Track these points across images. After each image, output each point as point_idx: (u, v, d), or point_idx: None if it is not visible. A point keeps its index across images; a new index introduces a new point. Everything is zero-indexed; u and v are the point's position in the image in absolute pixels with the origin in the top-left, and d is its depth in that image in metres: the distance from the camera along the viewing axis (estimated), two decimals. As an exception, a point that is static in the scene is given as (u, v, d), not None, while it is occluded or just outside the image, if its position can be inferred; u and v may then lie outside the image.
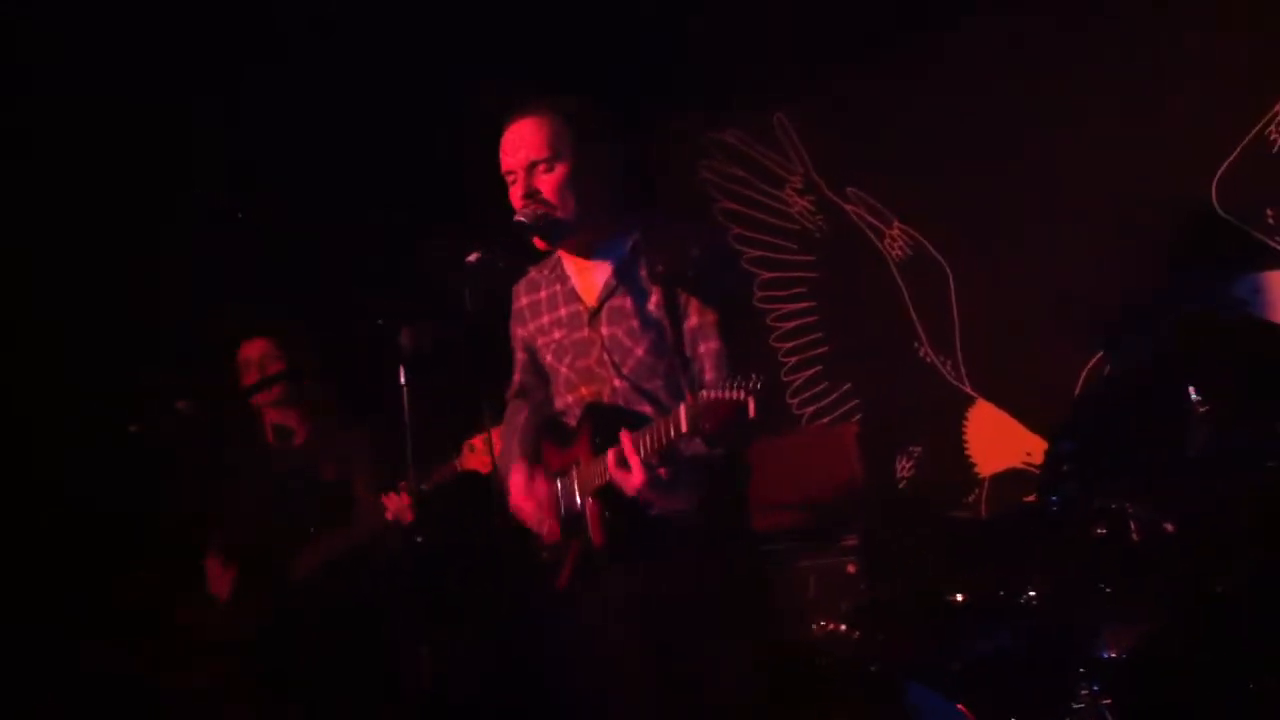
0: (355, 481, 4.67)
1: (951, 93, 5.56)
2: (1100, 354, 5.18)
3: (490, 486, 3.35)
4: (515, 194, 3.32)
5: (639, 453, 3.08)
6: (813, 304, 6.06)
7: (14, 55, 4.98)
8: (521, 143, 3.31)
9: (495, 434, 4.03)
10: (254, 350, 4.86)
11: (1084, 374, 5.24)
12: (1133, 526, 4.07)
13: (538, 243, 3.34)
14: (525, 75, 4.41)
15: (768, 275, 6.12)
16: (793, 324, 6.07)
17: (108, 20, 4.96)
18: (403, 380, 3.09)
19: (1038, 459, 5.26)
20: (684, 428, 2.97)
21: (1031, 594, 4.14)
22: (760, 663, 3.27)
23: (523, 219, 3.28)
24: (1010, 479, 5.43)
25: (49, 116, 5.17)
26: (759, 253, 6.14)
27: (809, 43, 5.73)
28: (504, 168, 3.34)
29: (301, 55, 5.37)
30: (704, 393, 2.91)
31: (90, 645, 5.25)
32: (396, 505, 4.37)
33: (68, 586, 5.28)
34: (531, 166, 3.29)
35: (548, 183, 3.29)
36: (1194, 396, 4.12)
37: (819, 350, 6.03)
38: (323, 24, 5.30)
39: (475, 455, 4.25)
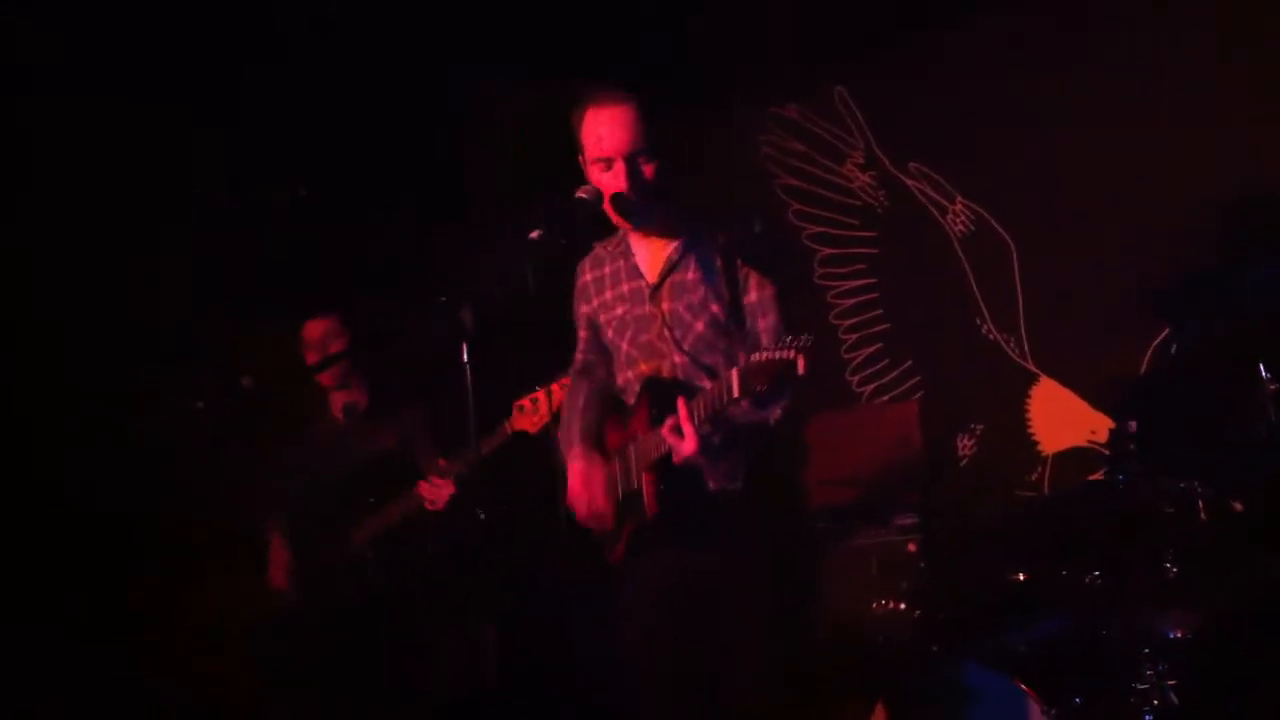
0: (417, 453, 4.72)
1: (1016, 68, 5.50)
2: (1166, 331, 5.11)
3: (544, 448, 3.36)
4: (609, 177, 3.33)
5: (693, 419, 3.10)
6: (873, 280, 6.02)
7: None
8: (621, 130, 3.32)
9: (542, 395, 4.08)
10: (316, 330, 4.93)
11: (1150, 351, 5.17)
12: (1200, 506, 4.02)
13: (622, 223, 3.37)
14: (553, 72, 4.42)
15: (827, 251, 6.09)
16: (852, 301, 6.04)
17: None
18: (465, 358, 3.10)
19: (1102, 437, 5.21)
20: (735, 391, 3.00)
21: (1096, 574, 4.10)
22: (803, 644, 3.27)
23: (584, 196, 3.31)
24: (1074, 457, 5.38)
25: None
26: (819, 229, 6.10)
27: (872, 15, 5.69)
28: (598, 152, 3.34)
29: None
30: (754, 355, 2.95)
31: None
32: (431, 491, 4.44)
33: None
34: (634, 156, 3.31)
35: (651, 170, 3.33)
36: (1264, 374, 4.06)
37: (879, 327, 5.99)
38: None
39: (524, 415, 4.28)
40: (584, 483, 3.46)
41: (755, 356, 2.94)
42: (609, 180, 3.32)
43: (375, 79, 5.54)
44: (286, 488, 4.94)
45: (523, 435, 4.30)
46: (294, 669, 4.68)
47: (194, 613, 5.02)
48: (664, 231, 3.43)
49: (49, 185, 5.29)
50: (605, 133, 3.33)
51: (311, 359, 4.86)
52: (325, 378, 4.87)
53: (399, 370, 4.99)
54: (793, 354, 2.88)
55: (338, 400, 4.97)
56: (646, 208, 3.33)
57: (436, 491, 4.45)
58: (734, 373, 3.00)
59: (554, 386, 4.17)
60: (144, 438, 4.73)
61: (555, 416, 3.99)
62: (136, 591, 5.35)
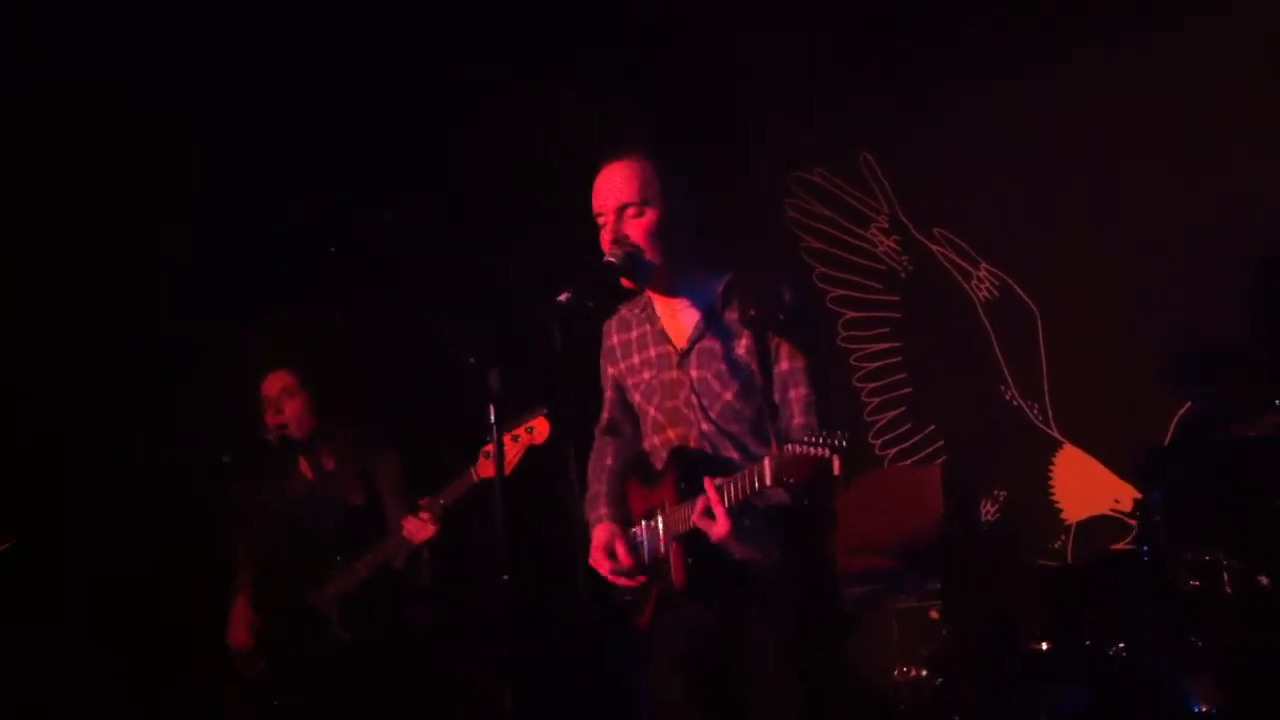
0: (387, 504, 4.65)
1: (1041, 134, 5.53)
2: (1191, 402, 5.09)
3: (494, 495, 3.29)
4: (604, 236, 3.34)
5: (724, 503, 3.09)
6: (897, 344, 6.03)
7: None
8: (613, 186, 3.33)
9: (507, 439, 4.02)
10: (273, 385, 4.78)
11: (1175, 421, 5.16)
12: (1226, 579, 4.00)
13: (625, 283, 3.35)
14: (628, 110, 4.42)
15: (851, 315, 6.10)
16: (876, 364, 6.04)
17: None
18: (492, 419, 3.10)
19: (1126, 506, 5.19)
20: (768, 480, 2.98)
21: (1120, 645, 4.08)
22: (829, 713, 3.25)
23: (612, 260, 3.30)
24: (1097, 525, 5.36)
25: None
26: (843, 291, 6.12)
27: (898, 82, 5.73)
28: (594, 209, 3.37)
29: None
30: (789, 446, 2.92)
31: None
32: (416, 526, 4.36)
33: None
34: (621, 210, 3.31)
35: (637, 227, 3.31)
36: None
37: (903, 391, 5.99)
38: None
39: (491, 461, 4.16)
40: (609, 544, 3.45)
41: (790, 449, 2.91)
42: (604, 236, 3.33)
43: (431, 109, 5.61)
44: (256, 543, 4.87)
45: (489, 483, 4.20)
46: None
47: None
48: (688, 293, 3.41)
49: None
50: (599, 191, 3.35)
51: (269, 415, 4.77)
52: (288, 434, 4.77)
53: (369, 422, 4.94)
54: (828, 453, 2.85)
55: (306, 455, 4.90)
56: (637, 263, 3.29)
57: (420, 526, 4.36)
58: (767, 461, 2.97)
59: (520, 430, 4.12)
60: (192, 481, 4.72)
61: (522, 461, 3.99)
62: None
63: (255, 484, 4.80)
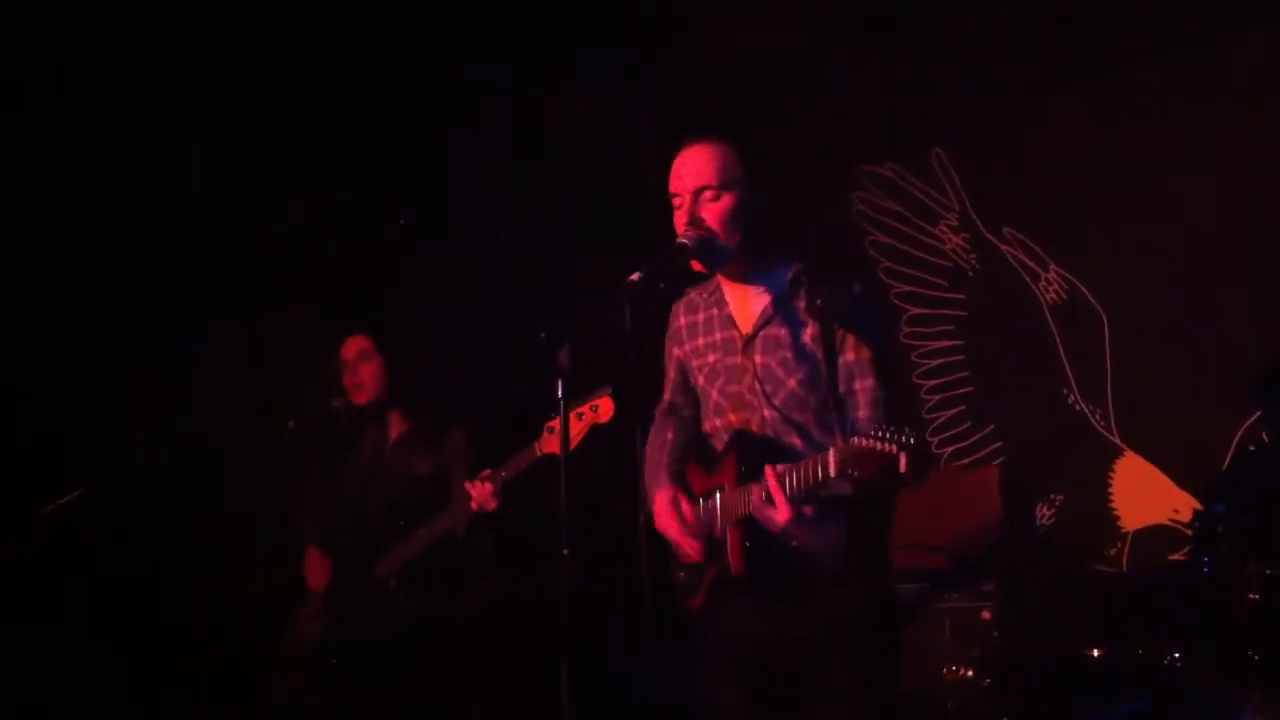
0: (453, 478, 4.69)
1: (1116, 137, 5.48)
2: (1258, 413, 5.03)
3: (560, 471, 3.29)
4: (679, 218, 3.34)
5: (784, 491, 3.08)
6: (960, 342, 5.99)
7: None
8: (692, 168, 3.33)
9: (573, 417, 4.03)
10: (351, 349, 4.83)
11: (1240, 433, 5.10)
12: (1286, 595, 3.96)
13: (696, 266, 3.35)
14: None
15: (915, 311, 6.07)
16: (938, 361, 6.01)
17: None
18: (560, 395, 3.11)
19: (1185, 517, 5.13)
20: (832, 471, 2.97)
21: (1175, 656, 4.04)
22: (880, 708, 3.23)
23: (685, 242, 3.30)
24: (1155, 535, 5.31)
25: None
26: (908, 287, 6.09)
27: (973, 80, 5.69)
28: (670, 190, 3.37)
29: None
30: (856, 439, 2.90)
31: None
32: (480, 493, 4.38)
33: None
34: (699, 192, 3.31)
35: (713, 210, 3.31)
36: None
37: (963, 390, 5.96)
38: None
39: (555, 437, 4.19)
40: (668, 514, 3.44)
41: (857, 442, 2.89)
42: (679, 218, 3.33)
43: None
44: (327, 514, 4.94)
45: (553, 458, 4.20)
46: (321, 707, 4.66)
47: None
48: (757, 280, 3.40)
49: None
50: (677, 172, 3.35)
51: (346, 377, 4.84)
52: (367, 396, 4.83)
53: (438, 395, 4.98)
54: (896, 449, 2.83)
55: (377, 425, 4.96)
56: (710, 246, 3.29)
57: (485, 495, 4.39)
58: (832, 453, 2.97)
59: (584, 409, 4.12)
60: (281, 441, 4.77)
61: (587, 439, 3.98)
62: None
63: (322, 452, 4.86)
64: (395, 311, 5.72)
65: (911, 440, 2.83)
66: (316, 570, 4.82)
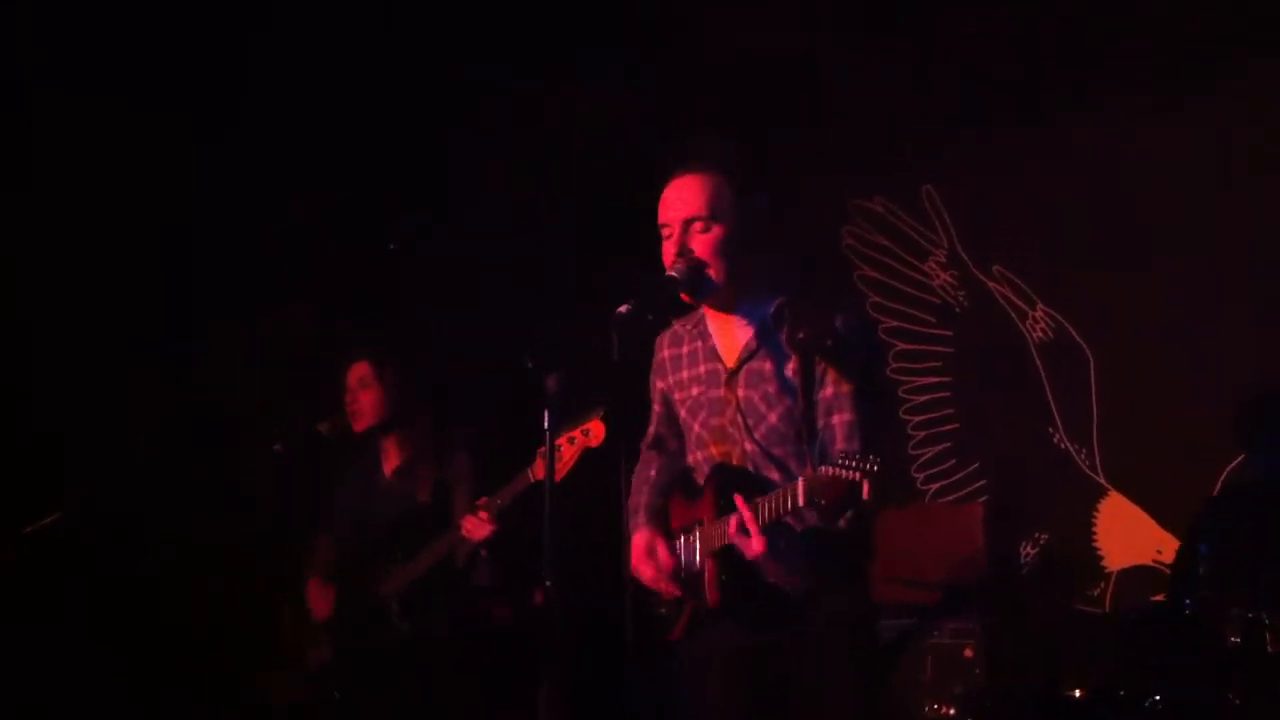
0: (455, 503, 4.68)
1: (1106, 179, 5.50)
2: (1242, 456, 5.04)
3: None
4: (668, 248, 3.34)
5: (758, 521, 3.09)
6: (946, 379, 6.00)
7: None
8: (682, 199, 3.33)
9: (564, 442, 4.02)
10: (354, 375, 4.84)
11: (1224, 475, 5.11)
12: (1268, 638, 3.95)
13: (684, 298, 3.35)
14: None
15: (902, 346, 6.08)
16: (924, 398, 6.02)
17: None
18: (546, 425, 3.10)
19: (1168, 558, 5.13)
20: (800, 500, 2.99)
21: (1156, 698, 4.03)
22: None
23: (674, 275, 3.30)
24: (1139, 575, 5.31)
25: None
26: (895, 323, 6.10)
27: (962, 116, 5.71)
28: (660, 220, 3.36)
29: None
30: (823, 468, 2.93)
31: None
32: (474, 525, 4.38)
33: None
34: (688, 223, 3.31)
35: (703, 242, 3.29)
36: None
37: (949, 426, 5.96)
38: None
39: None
40: (645, 560, 3.45)
41: (823, 470, 2.93)
42: (668, 249, 3.32)
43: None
44: (326, 542, 4.94)
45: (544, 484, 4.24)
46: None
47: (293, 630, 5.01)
48: (741, 311, 3.39)
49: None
50: (668, 200, 3.34)
51: (347, 403, 4.84)
52: (364, 423, 4.82)
53: (440, 420, 4.97)
54: (858, 476, 2.86)
55: (371, 452, 4.95)
56: (699, 278, 3.27)
57: (478, 525, 4.39)
58: (800, 482, 2.99)
59: (575, 433, 4.12)
60: (276, 458, 4.77)
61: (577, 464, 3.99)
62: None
63: (311, 477, 4.86)
64: (395, 312, 5.73)
65: (875, 468, 2.86)
66: (319, 600, 4.82)
